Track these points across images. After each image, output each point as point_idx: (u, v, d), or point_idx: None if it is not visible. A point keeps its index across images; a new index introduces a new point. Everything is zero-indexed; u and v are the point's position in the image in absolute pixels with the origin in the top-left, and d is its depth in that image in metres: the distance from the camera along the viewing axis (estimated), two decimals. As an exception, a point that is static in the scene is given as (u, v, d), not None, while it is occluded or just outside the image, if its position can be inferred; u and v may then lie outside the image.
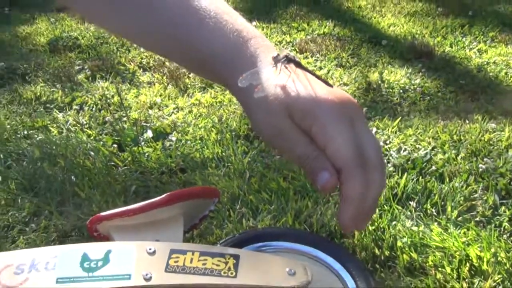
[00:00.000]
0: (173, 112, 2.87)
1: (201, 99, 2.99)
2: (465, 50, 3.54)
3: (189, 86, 3.16)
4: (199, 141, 2.54)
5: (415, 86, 3.05)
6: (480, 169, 2.24)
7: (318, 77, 0.59)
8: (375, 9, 4.40)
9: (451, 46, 3.61)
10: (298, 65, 0.60)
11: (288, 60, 0.59)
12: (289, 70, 0.58)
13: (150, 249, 1.65)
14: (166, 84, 3.20)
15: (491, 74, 3.21)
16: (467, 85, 3.06)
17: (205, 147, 2.48)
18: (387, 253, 1.80)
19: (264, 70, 0.58)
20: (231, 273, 1.60)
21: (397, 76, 3.18)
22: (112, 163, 2.40)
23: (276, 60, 0.58)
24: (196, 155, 2.42)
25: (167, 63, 3.42)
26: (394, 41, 3.74)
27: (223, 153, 2.42)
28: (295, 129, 0.56)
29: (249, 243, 1.81)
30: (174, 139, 2.58)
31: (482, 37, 3.72)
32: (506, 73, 3.19)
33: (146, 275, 1.57)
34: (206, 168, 2.32)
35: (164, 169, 2.34)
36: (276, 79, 0.57)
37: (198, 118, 2.77)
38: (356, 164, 0.54)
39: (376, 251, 1.81)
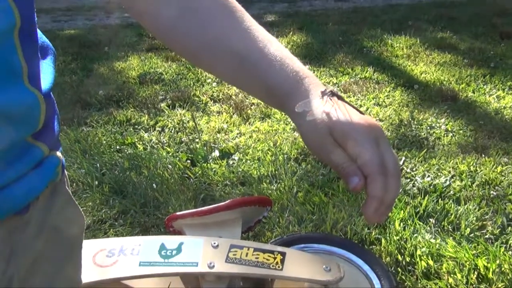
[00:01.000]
0: (236, 137, 2.98)
1: (260, 127, 3.09)
2: (485, 96, 3.54)
3: (250, 116, 3.27)
4: (257, 161, 2.64)
5: (440, 124, 3.08)
6: (492, 195, 2.26)
7: (354, 107, 0.69)
8: (410, 58, 4.43)
9: (473, 92, 3.62)
10: (339, 97, 0.70)
11: (332, 94, 0.69)
12: (333, 101, 0.68)
13: (214, 243, 1.76)
14: (232, 113, 3.32)
15: (507, 116, 3.21)
16: (485, 125, 3.07)
17: (262, 166, 2.57)
18: (408, 259, 1.85)
19: (314, 100, 0.68)
20: (278, 267, 1.71)
21: (425, 115, 3.21)
22: (186, 175, 2.52)
23: (323, 93, 0.68)
24: (254, 172, 2.52)
25: (233, 96, 3.55)
26: (424, 86, 3.77)
27: (276, 172, 2.51)
28: (335, 144, 0.65)
29: (294, 244, 1.90)
30: (236, 158, 2.69)
31: (501, 85, 3.71)
32: (520, 117, 3.19)
33: (210, 263, 1.69)
34: (262, 183, 2.42)
35: (227, 182, 2.45)
36: (323, 107, 0.66)
37: (256, 142, 2.87)
38: (379, 172, 0.63)
39: (399, 257, 1.86)
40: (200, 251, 1.63)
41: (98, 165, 2.59)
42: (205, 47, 0.74)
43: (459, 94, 3.57)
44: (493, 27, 5.39)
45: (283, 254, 1.63)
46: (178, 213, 1.86)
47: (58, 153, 0.65)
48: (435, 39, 4.97)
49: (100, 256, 1.59)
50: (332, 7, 6.97)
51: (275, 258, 1.62)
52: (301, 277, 1.59)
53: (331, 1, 7.44)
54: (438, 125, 3.08)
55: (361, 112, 0.69)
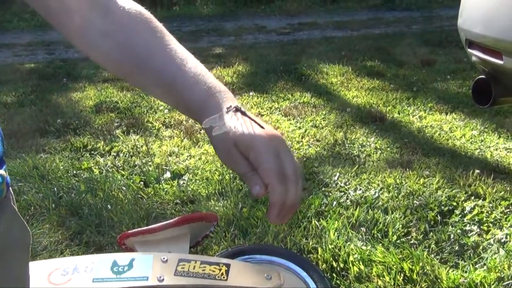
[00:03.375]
0: (187, 159, 2.95)
1: (208, 149, 3.08)
2: (409, 116, 3.65)
3: (200, 139, 3.25)
4: (205, 181, 2.62)
5: (370, 143, 3.15)
6: (415, 205, 2.32)
7: (257, 122, 0.70)
8: (343, 84, 4.53)
9: (399, 113, 3.73)
10: (243, 113, 0.70)
11: (236, 109, 0.69)
12: (237, 116, 0.68)
13: (163, 258, 1.74)
14: (182, 138, 3.30)
15: (428, 134, 3.31)
16: (409, 142, 3.16)
17: (210, 185, 2.56)
18: (342, 265, 1.87)
19: (221, 116, 0.68)
20: (223, 277, 1.69)
21: (357, 135, 3.28)
22: (139, 196, 2.48)
23: (228, 109, 0.69)
24: (202, 191, 2.50)
25: (184, 122, 3.53)
26: (356, 109, 3.85)
27: (223, 190, 2.50)
28: (239, 155, 0.66)
29: (238, 256, 1.89)
30: (186, 179, 2.67)
31: (423, 106, 3.84)
32: (439, 134, 3.30)
33: (160, 277, 1.66)
34: (210, 200, 2.41)
35: (178, 200, 2.42)
36: (228, 122, 0.67)
37: (205, 163, 2.86)
38: (278, 180, 0.64)
39: (334, 263, 1.88)
40: (150, 266, 1.60)
41: (55, 189, 2.52)
42: (127, 63, 0.74)
43: (387, 115, 3.67)
44: (415, 56, 5.58)
45: (227, 265, 1.62)
46: (129, 231, 1.83)
47: (2, 171, 0.63)
48: (365, 67, 5.10)
49: (55, 275, 1.54)
50: (274, 40, 7.07)
51: (220, 270, 1.61)
52: (244, 286, 1.58)
53: (273, 34, 7.55)
54: (368, 143, 3.14)
55: (262, 127, 0.70)
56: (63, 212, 2.30)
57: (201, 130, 3.42)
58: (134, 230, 1.84)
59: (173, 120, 3.60)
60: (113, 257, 1.66)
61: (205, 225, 1.96)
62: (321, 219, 2.16)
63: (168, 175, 2.71)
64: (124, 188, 2.53)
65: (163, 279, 1.53)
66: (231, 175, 2.66)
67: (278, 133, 0.69)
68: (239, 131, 0.66)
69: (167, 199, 2.43)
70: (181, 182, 2.64)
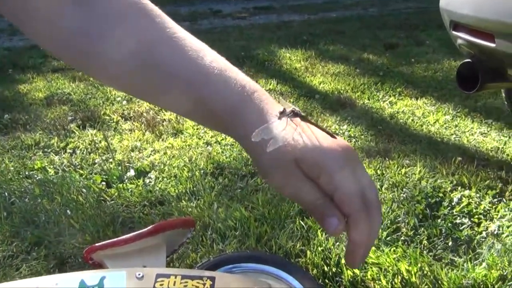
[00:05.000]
0: (151, 154, 2.73)
1: (174, 143, 2.87)
2: (380, 102, 3.53)
3: (163, 132, 3.03)
4: (174, 178, 2.41)
5: (343, 131, 3.01)
6: (401, 198, 2.19)
7: (323, 129, 0.52)
8: (307, 70, 4.38)
9: (368, 99, 3.61)
10: (303, 118, 0.52)
11: (294, 114, 0.51)
12: (295, 123, 0.50)
13: (139, 274, 1.50)
14: (144, 130, 3.07)
15: (401, 121, 3.20)
16: (384, 129, 3.04)
17: (179, 183, 2.35)
18: (334, 269, 1.71)
19: (273, 124, 0.50)
20: None
21: (328, 123, 3.13)
22: (101, 198, 2.25)
23: (282, 114, 0.50)
24: (172, 190, 2.30)
25: (144, 114, 3.29)
26: (324, 95, 3.71)
27: (194, 188, 2.30)
28: (304, 178, 0.48)
29: (222, 266, 1.69)
30: (153, 177, 2.45)
31: (392, 91, 3.73)
32: (412, 120, 3.19)
33: (136, 297, 1.42)
34: (181, 201, 2.20)
35: (145, 202, 2.20)
36: (284, 132, 0.49)
37: (171, 158, 2.65)
38: (362, 209, 0.47)
39: (325, 268, 1.72)
40: (123, 285, 1.39)
41: (6, 194, 2.25)
42: (116, 62, 0.53)
43: (356, 102, 3.54)
44: (377, 39, 5.49)
45: (212, 279, 1.42)
46: (97, 244, 1.61)
47: None
48: (328, 52, 4.97)
49: (12, 300, 1.32)
50: (231, 25, 6.84)
51: (204, 284, 1.41)
52: (233, 302, 1.40)
53: (229, 19, 7.32)
54: (341, 131, 3.00)
55: (331, 135, 0.52)
56: (16, 221, 2.04)
57: (163, 121, 3.19)
58: (102, 243, 1.62)
59: (133, 112, 3.36)
60: (80, 276, 1.44)
61: (182, 232, 1.76)
62: (305, 218, 1.99)
63: (132, 173, 2.48)
64: (84, 190, 2.28)
65: (140, 299, 1.33)
66: (202, 171, 2.46)
67: (349, 145, 0.51)
68: (302, 144, 0.48)
69: (133, 201, 2.21)
70: (147, 180, 2.42)
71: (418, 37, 5.52)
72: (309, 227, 1.93)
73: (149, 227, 1.68)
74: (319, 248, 1.79)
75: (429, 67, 4.41)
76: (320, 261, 1.74)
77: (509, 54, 1.88)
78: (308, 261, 1.76)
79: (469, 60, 2.14)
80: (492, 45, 1.90)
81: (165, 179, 2.42)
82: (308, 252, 1.78)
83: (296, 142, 0.48)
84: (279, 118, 0.50)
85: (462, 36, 2.09)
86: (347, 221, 0.47)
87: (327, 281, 1.67)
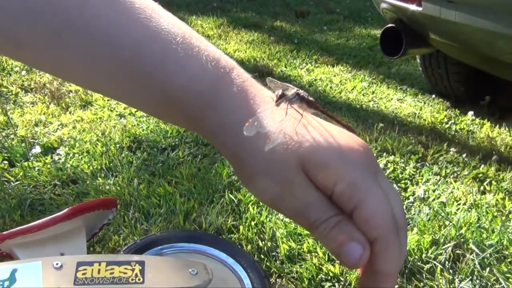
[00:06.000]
0: (58, 129, 2.49)
1: (83, 115, 2.63)
2: (297, 70, 3.48)
3: (70, 104, 2.78)
4: (87, 154, 2.20)
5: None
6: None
7: (336, 119, 0.39)
8: (221, 37, 4.23)
9: (285, 67, 3.54)
10: (310, 104, 0.39)
11: (301, 98, 0.38)
12: (299, 111, 0.38)
13: (56, 264, 1.31)
14: (48, 103, 2.79)
15: (319, 88, 3.17)
16: (303, 97, 2.98)
17: (93, 159, 2.15)
18: (269, 244, 1.63)
19: (266, 113, 0.36)
20: (139, 279, 1.33)
21: (247, 91, 3.03)
22: (4, 179, 2.00)
23: (281, 98, 0.37)
24: (85, 167, 2.09)
25: (47, 85, 3.00)
26: (240, 63, 3.55)
27: (111, 164, 2.11)
28: (311, 188, 0.35)
29: (151, 248, 1.55)
30: (62, 153, 2.22)
31: (308, 59, 3.69)
32: (330, 87, 3.17)
33: (55, 290, 1.24)
34: (96, 178, 2.01)
35: (56, 181, 1.99)
36: (284, 123, 0.36)
37: (82, 133, 2.42)
38: (393, 232, 0.34)
39: (260, 243, 1.63)
40: (39, 277, 1.22)
41: None
42: (33, 26, 0.36)
43: (274, 70, 3.46)
44: (288, 7, 5.44)
45: (141, 263, 1.29)
46: (4, 232, 1.41)
47: None
48: (240, 19, 4.84)
49: None
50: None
51: (133, 270, 1.27)
52: (167, 287, 1.27)
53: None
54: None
55: (348, 127, 0.39)
56: None
57: (69, 92, 2.93)
58: (11, 230, 1.42)
59: (34, 83, 3.05)
60: (-14, 271, 1.25)
61: (102, 213, 1.59)
62: (234, 191, 1.89)
63: (37, 149, 2.24)
64: (-17, 170, 2.03)
65: (60, 292, 1.17)
66: (117, 145, 2.27)
67: (364, 141, 0.38)
68: (310, 140, 0.35)
69: (42, 181, 1.98)
70: (56, 157, 2.19)
71: (328, 5, 5.53)
72: (239, 200, 1.83)
73: (65, 210, 1.50)
74: (252, 223, 1.70)
75: (342, 34, 4.43)
76: (254, 236, 1.65)
77: (435, 17, 1.86)
78: (241, 236, 1.66)
79: (392, 25, 2.11)
80: (419, 8, 1.88)
81: (76, 155, 2.20)
82: (241, 227, 1.68)
83: (302, 137, 0.36)
84: (277, 104, 0.37)
85: (387, 1, 2.06)
86: (373, 249, 0.35)
87: (262, 256, 1.58)
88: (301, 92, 0.38)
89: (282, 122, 0.36)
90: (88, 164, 2.11)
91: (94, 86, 0.41)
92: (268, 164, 0.36)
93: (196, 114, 0.37)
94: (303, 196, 0.35)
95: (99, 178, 2.00)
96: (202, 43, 0.39)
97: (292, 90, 0.38)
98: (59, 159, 2.18)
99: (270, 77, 0.41)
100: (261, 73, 3.38)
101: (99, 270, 1.27)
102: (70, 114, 2.68)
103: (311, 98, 0.39)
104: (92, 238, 1.58)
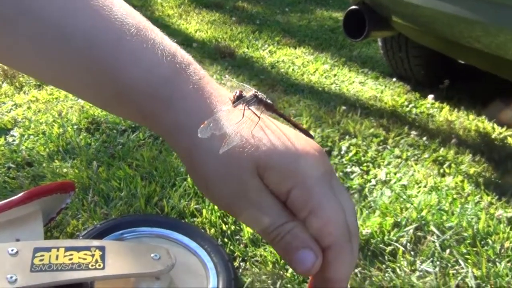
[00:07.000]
0: (12, 109, 2.39)
1: (38, 95, 2.54)
2: (259, 51, 3.45)
3: (24, 84, 2.67)
4: (42, 136, 2.12)
5: (225, 81, 2.88)
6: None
7: (293, 123, 0.38)
8: (181, 17, 4.14)
9: (247, 48, 3.50)
10: (268, 106, 0.38)
11: (259, 100, 0.37)
12: (256, 114, 0.36)
13: (12, 250, 1.25)
14: (0, 82, 2.68)
15: (282, 70, 3.15)
16: (265, 79, 2.96)
17: (49, 141, 2.08)
18: (232, 227, 1.61)
19: (222, 114, 0.35)
20: (99, 265, 1.29)
21: (210, 72, 2.97)
22: (-46, 162, 1.91)
23: (240, 100, 0.36)
24: (41, 149, 2.02)
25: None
26: (201, 43, 3.54)
27: (68, 146, 2.05)
28: (265, 192, 0.34)
29: (111, 233, 1.51)
30: (16, 134, 2.14)
31: (270, 41, 3.65)
32: (293, 70, 3.15)
33: (11, 278, 1.19)
34: (53, 160, 1.94)
35: (10, 164, 1.91)
36: (240, 125, 0.35)
37: (37, 113, 2.33)
38: (346, 240, 0.34)
39: (224, 226, 1.62)
40: (-6, 264, 1.17)
41: None
42: None
43: (236, 51, 3.42)
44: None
45: (101, 248, 1.25)
46: (-46, 218, 1.34)
47: None
48: (201, -2, 4.75)
49: None
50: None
51: (93, 256, 1.23)
52: (128, 272, 1.24)
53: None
54: (223, 82, 2.87)
55: (305, 132, 0.38)
56: None
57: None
58: (-39, 216, 1.35)
59: (-15, 61, 2.91)
60: None
61: (60, 197, 1.53)
62: (196, 174, 1.86)
63: (-10, 131, 2.15)
64: None
65: (16, 280, 1.12)
66: (75, 126, 2.19)
67: (320, 146, 0.37)
68: (267, 144, 0.34)
69: (-5, 164, 1.91)
70: (10, 139, 2.11)
71: (290, -14, 5.49)
72: None
73: (20, 194, 1.44)
74: (215, 206, 1.68)
75: (303, 16, 4.41)
76: (217, 219, 1.63)
77: (398, 0, 1.86)
78: (204, 220, 1.64)
79: (356, 7, 2.10)
80: (383, -10, 1.87)
81: (31, 136, 2.12)
82: (204, 211, 1.66)
83: (259, 140, 0.34)
84: (234, 105, 0.35)
85: (351, -18, 2.05)
86: (325, 256, 0.34)
87: (226, 240, 1.57)
88: (260, 94, 0.37)
89: (239, 124, 0.35)
90: (44, 146, 2.04)
91: (44, 77, 0.38)
92: (223, 167, 0.34)
93: (150, 110, 0.35)
94: (258, 201, 0.34)
95: (56, 161, 1.94)
96: (158, 36, 0.36)
97: (250, 92, 0.36)
98: (13, 140, 2.09)
99: (227, 76, 0.39)
100: (223, 54, 3.33)
101: (57, 256, 1.22)
102: (25, 94, 2.58)
103: (269, 101, 0.38)
104: (50, 223, 1.53)
